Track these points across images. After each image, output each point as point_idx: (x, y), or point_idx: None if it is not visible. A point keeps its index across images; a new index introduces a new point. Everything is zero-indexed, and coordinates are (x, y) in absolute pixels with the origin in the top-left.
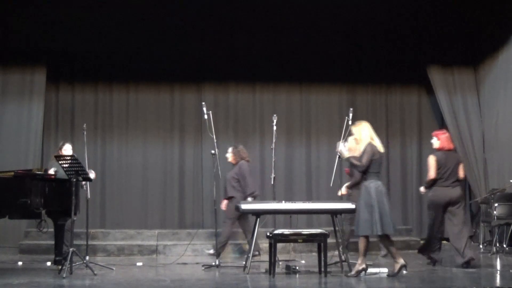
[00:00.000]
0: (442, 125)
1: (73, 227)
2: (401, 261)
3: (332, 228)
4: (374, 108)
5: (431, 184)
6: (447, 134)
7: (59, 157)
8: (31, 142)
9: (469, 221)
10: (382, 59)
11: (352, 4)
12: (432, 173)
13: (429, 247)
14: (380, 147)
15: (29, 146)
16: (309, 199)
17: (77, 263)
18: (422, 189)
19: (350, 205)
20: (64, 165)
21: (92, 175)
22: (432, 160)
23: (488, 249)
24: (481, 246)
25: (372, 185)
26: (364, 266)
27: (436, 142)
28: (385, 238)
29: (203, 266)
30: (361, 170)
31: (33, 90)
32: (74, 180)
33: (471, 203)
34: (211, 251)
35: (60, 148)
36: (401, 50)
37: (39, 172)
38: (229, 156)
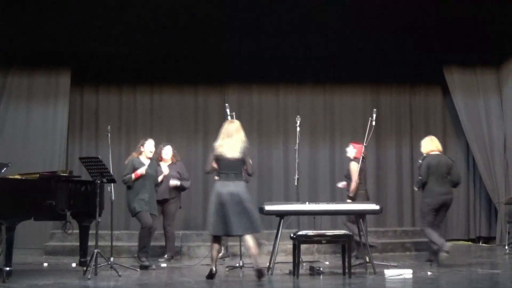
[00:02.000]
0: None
1: (97, 229)
2: None
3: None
4: (398, 108)
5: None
6: (361, 145)
7: (84, 159)
8: (56, 144)
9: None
10: (406, 59)
11: (375, 4)
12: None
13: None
14: None
15: (54, 148)
16: (333, 200)
17: (101, 265)
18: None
19: (374, 206)
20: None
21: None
22: (354, 166)
23: None
24: (506, 247)
25: None
26: None
27: (352, 151)
28: None
29: (227, 267)
30: None
31: (58, 93)
32: (99, 182)
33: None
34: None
35: (142, 145)
36: (425, 50)
37: (64, 174)
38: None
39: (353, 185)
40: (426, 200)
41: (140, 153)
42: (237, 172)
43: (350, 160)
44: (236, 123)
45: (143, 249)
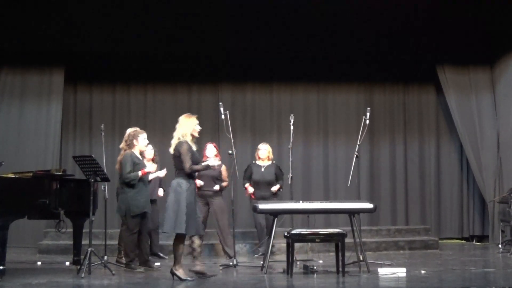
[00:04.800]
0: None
1: (91, 227)
2: None
3: (350, 228)
4: (392, 107)
5: None
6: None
7: (77, 158)
8: (49, 143)
9: None
10: (399, 58)
11: (368, 3)
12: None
13: None
14: None
15: (48, 146)
16: (327, 198)
17: (95, 263)
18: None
19: (368, 205)
20: (82, 166)
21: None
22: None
23: (507, 249)
24: (500, 246)
25: None
26: None
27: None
28: None
29: (221, 265)
30: None
31: (51, 91)
32: (92, 180)
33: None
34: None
35: (135, 138)
36: (418, 49)
37: (58, 173)
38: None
39: None
40: None
41: (133, 147)
42: (176, 168)
43: None
44: (180, 117)
45: (130, 256)
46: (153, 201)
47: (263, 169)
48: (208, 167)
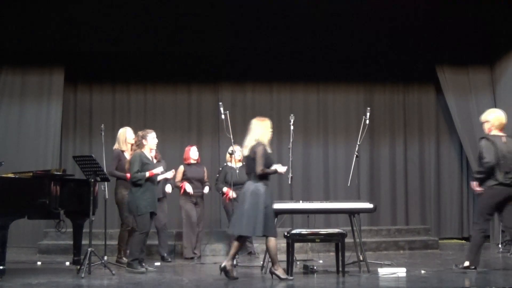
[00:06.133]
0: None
1: (91, 227)
2: None
3: (350, 228)
4: (392, 107)
5: None
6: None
7: (77, 157)
8: (49, 143)
9: None
10: (399, 58)
11: (368, 3)
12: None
13: None
14: None
15: (48, 146)
16: (327, 198)
17: (95, 263)
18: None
19: (368, 204)
20: (82, 166)
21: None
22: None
23: (507, 249)
24: (500, 246)
25: None
26: None
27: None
28: None
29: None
30: None
31: (51, 91)
32: (92, 180)
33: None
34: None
35: (144, 138)
36: (417, 49)
37: (58, 173)
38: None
39: None
40: None
41: (143, 146)
42: (249, 170)
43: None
44: (252, 121)
45: (135, 255)
46: (160, 199)
47: (238, 171)
48: (275, 172)
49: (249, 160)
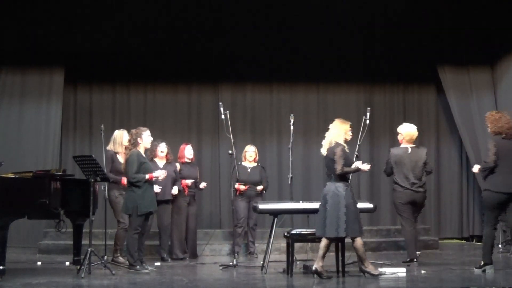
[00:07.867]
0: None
1: (91, 227)
2: None
3: None
4: (392, 107)
5: None
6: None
7: (77, 157)
8: (49, 143)
9: None
10: (399, 58)
11: (368, 3)
12: None
13: None
14: None
15: (48, 146)
16: None
17: (95, 263)
18: None
19: (368, 204)
20: (82, 166)
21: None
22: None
23: (507, 249)
24: (500, 246)
25: None
26: None
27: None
28: None
29: (221, 266)
30: None
31: (51, 91)
32: (92, 180)
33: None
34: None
35: (140, 136)
36: (418, 49)
37: (58, 173)
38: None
39: None
40: None
41: (138, 145)
42: (328, 171)
43: None
44: (333, 122)
45: (134, 256)
46: (166, 202)
47: (249, 170)
48: (357, 170)
49: (328, 161)
